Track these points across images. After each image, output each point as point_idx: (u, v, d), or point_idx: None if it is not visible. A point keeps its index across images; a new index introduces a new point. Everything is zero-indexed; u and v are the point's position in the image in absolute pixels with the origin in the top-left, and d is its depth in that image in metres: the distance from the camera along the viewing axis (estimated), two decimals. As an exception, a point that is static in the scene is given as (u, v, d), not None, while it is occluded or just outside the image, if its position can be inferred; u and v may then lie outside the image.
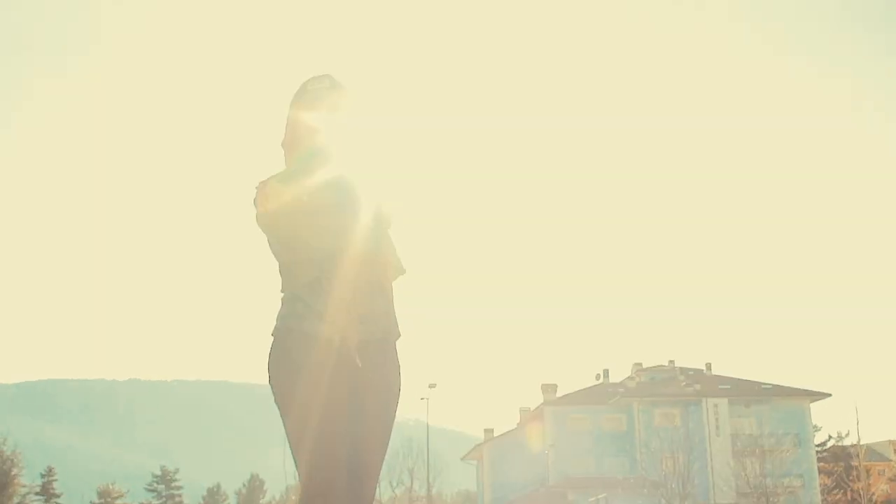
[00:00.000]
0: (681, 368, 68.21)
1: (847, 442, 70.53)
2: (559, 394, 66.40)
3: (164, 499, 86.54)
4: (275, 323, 3.11)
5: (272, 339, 3.09)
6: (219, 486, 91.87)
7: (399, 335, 3.24)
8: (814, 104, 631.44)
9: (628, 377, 68.03)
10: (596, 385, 68.88)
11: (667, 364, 69.11)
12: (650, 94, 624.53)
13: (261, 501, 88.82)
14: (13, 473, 60.74)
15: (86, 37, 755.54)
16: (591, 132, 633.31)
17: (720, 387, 64.68)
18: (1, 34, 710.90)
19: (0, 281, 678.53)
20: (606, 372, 70.20)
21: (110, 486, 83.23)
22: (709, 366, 69.02)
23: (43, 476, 71.84)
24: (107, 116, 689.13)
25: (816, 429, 69.35)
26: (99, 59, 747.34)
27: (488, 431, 72.09)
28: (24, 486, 63.42)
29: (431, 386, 51.05)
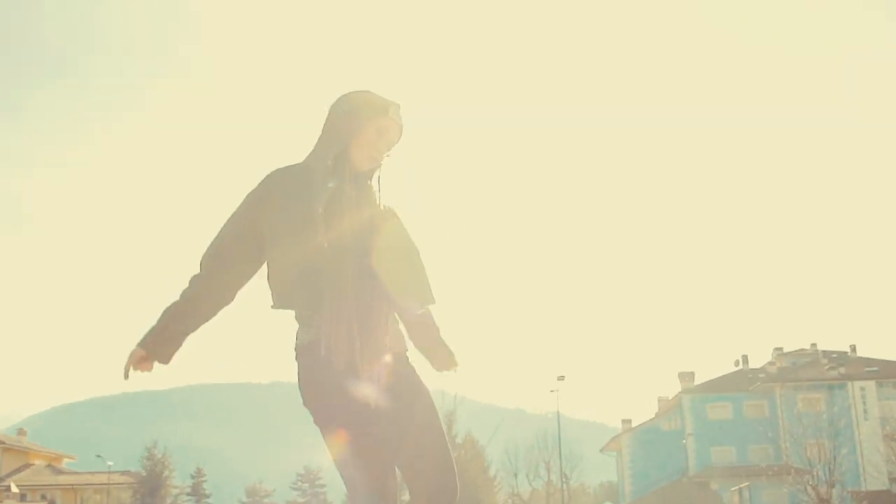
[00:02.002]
0: (824, 351, 66.27)
1: None
2: (697, 381, 65.31)
3: (308, 497, 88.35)
4: (295, 343, 3.14)
5: (296, 363, 3.13)
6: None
7: (406, 349, 3.26)
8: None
9: (769, 362, 66.40)
10: (735, 371, 67.52)
11: (809, 347, 67.31)
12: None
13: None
14: (165, 475, 63.12)
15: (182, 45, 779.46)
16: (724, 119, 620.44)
17: (867, 369, 62.55)
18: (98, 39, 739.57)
19: (150, 293, 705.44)
20: (745, 358, 68.77)
21: (258, 486, 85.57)
22: (853, 347, 66.83)
23: (193, 477, 74.27)
24: (244, 117, 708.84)
25: (974, 409, 66.30)
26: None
27: (626, 422, 71.28)
28: (175, 488, 65.79)
29: (560, 378, 50.77)
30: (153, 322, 3.25)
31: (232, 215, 3.25)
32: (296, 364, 3.13)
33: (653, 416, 69.92)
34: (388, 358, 3.11)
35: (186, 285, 3.26)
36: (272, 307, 3.15)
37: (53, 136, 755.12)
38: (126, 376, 3.21)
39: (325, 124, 3.30)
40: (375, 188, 3.23)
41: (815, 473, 47.60)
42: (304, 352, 3.09)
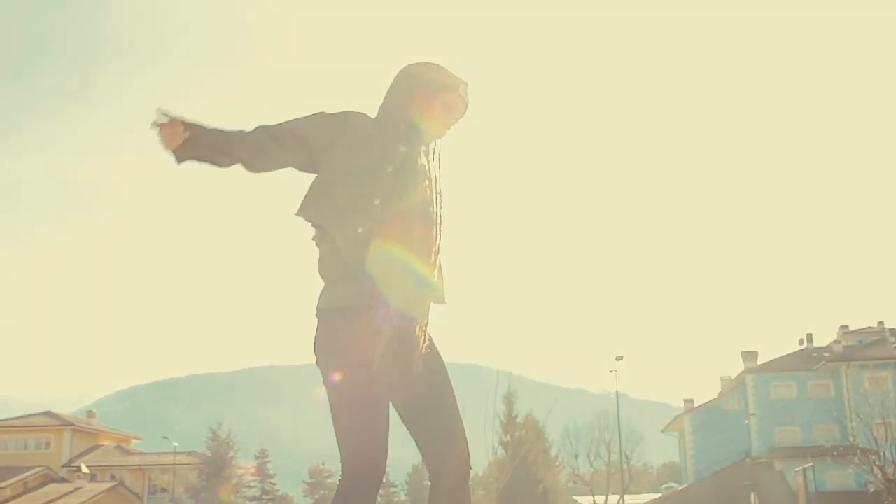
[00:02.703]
0: (891, 329, 64.99)
1: None
2: (761, 361, 64.50)
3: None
4: (320, 303, 3.12)
5: (323, 318, 3.10)
6: (423, 465, 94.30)
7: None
8: None
9: (834, 341, 65.29)
10: (799, 350, 66.52)
11: (876, 325, 66.07)
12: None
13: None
14: (230, 456, 63.90)
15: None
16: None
17: (935, 347, 61.33)
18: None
19: (217, 278, 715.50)
20: (810, 336, 67.67)
21: (321, 466, 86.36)
22: (922, 325, 65.45)
23: (257, 458, 75.16)
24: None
25: None
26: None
27: (688, 402, 70.70)
28: (240, 468, 66.56)
29: (619, 358, 50.42)
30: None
31: (304, 117, 3.23)
32: (318, 323, 3.12)
33: (715, 395, 69.25)
34: (423, 332, 3.17)
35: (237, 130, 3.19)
36: (296, 213, 3.15)
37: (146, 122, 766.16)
38: (158, 112, 3.05)
39: (391, 87, 3.33)
40: (436, 164, 3.28)
41: (881, 453, 46.77)
42: (332, 314, 3.07)
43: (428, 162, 3.26)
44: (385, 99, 3.33)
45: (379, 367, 3.00)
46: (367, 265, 3.02)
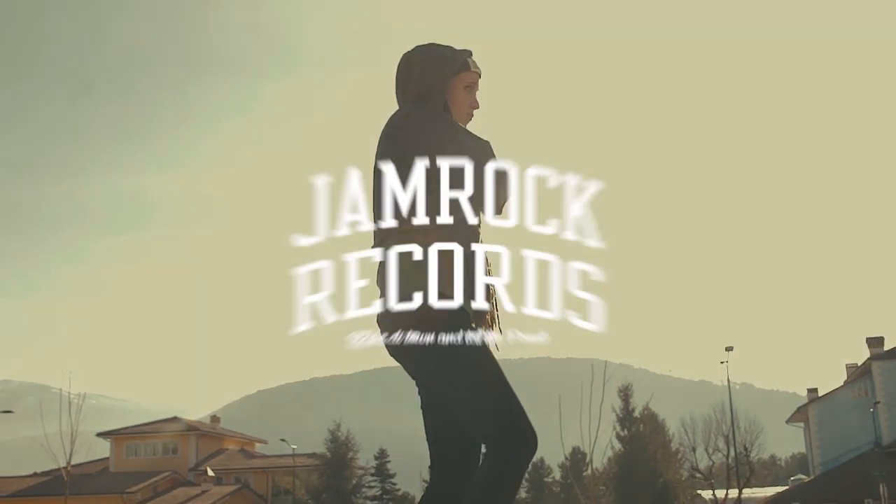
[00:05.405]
0: None
1: None
2: (887, 346, 62.34)
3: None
4: (426, 291, 2.93)
5: (429, 310, 2.91)
6: (542, 461, 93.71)
7: None
8: None
9: (966, 322, 62.76)
10: (929, 334, 64.15)
11: None
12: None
13: (584, 472, 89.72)
14: (349, 456, 64.73)
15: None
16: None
17: None
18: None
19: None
20: (939, 319, 65.18)
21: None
22: None
23: (376, 458, 75.78)
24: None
25: None
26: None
27: (812, 391, 68.86)
28: (360, 469, 67.34)
29: (728, 349, 49.67)
30: None
31: None
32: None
33: (840, 384, 67.28)
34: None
35: None
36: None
37: (232, 134, 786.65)
38: None
39: (401, 82, 3.06)
40: None
41: None
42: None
43: None
44: (399, 97, 3.07)
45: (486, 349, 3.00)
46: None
